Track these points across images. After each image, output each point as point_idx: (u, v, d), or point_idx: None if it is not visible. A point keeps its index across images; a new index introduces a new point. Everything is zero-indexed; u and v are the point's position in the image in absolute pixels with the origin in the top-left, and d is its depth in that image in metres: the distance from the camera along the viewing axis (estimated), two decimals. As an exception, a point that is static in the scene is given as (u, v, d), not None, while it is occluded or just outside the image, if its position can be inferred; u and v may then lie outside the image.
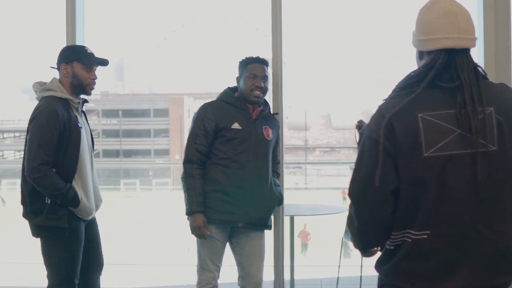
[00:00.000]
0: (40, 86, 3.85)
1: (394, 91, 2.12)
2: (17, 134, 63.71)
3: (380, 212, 2.08)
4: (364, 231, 2.14)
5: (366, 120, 2.30)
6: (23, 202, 3.82)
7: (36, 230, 3.81)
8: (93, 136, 4.09)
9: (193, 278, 7.06)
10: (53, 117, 3.65)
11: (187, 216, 4.05)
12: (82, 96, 3.95)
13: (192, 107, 62.79)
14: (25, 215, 3.82)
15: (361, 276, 5.62)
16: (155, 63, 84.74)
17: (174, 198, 34.47)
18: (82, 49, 3.90)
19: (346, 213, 5.37)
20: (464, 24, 2.09)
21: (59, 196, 3.65)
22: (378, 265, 2.19)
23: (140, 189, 37.33)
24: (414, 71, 2.14)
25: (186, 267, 8.71)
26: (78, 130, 3.77)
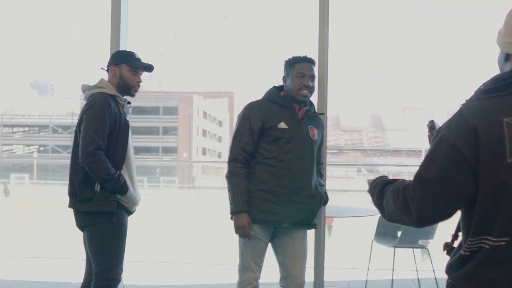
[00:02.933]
0: (89, 86, 4.03)
1: (478, 93, 2.07)
2: (26, 128, 64.10)
3: (446, 214, 2.05)
4: (422, 225, 2.11)
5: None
6: (72, 192, 3.91)
7: (84, 219, 3.88)
8: None
9: (202, 276, 7.01)
10: (106, 107, 3.82)
11: (231, 216, 4.01)
12: (126, 97, 4.12)
13: (201, 106, 63.18)
14: (74, 204, 3.91)
15: (392, 280, 5.59)
16: (165, 61, 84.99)
17: (181, 196, 34.62)
18: (131, 54, 4.13)
19: (376, 216, 5.33)
20: None
21: (110, 180, 3.78)
22: (450, 270, 2.14)
23: (147, 186, 37.37)
24: (502, 74, 2.08)
25: (195, 266, 8.74)
26: (126, 124, 3.95)
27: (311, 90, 4.01)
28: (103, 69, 4.12)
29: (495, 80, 2.06)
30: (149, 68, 4.11)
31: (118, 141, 3.87)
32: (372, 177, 2.42)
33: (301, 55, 4.06)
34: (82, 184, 3.83)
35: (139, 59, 4.07)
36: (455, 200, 2.02)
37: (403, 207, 2.10)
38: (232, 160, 3.98)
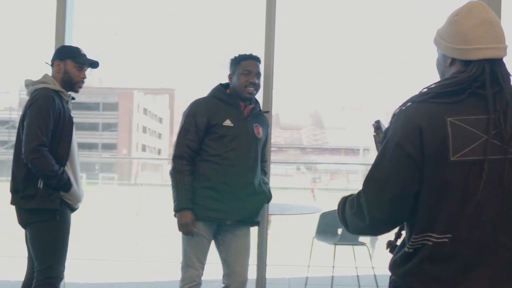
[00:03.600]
0: (32, 81, 3.98)
1: (427, 95, 2.11)
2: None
3: (396, 213, 2.08)
4: (375, 228, 2.14)
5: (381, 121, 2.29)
6: (14, 188, 3.86)
7: (26, 216, 3.83)
8: None
9: (142, 274, 6.97)
10: (50, 102, 3.78)
11: (174, 213, 4.00)
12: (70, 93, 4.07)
13: (142, 102, 62.58)
14: (16, 201, 3.85)
15: (332, 277, 5.67)
16: (105, 57, 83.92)
17: (121, 193, 34.24)
18: (76, 49, 4.08)
19: (318, 214, 5.38)
20: (500, 32, 2.11)
21: (54, 177, 3.74)
22: (394, 267, 2.18)
23: (86, 183, 36.89)
24: (450, 79, 2.12)
25: (135, 263, 8.68)
26: (71, 119, 3.91)
27: (256, 87, 4.04)
28: (47, 63, 4.06)
29: (445, 85, 2.10)
30: (94, 64, 4.09)
31: (62, 137, 3.84)
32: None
33: (247, 53, 4.09)
34: (25, 181, 3.78)
35: (84, 55, 4.04)
36: (403, 199, 2.05)
37: (358, 211, 2.13)
38: (176, 157, 3.96)
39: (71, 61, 3.97)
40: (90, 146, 58.36)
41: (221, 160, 3.92)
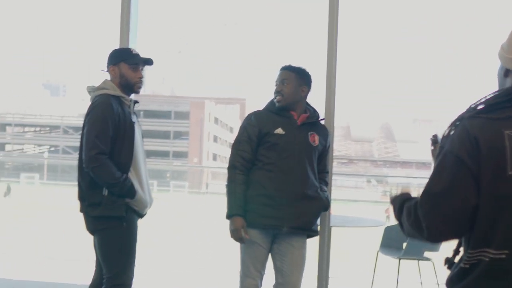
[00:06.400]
0: (93, 88, 3.97)
1: (478, 108, 2.06)
2: (37, 128, 64.29)
3: (454, 227, 2.03)
4: (433, 241, 2.11)
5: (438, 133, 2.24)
6: (81, 196, 3.87)
7: (93, 224, 3.85)
8: None
9: (207, 282, 6.98)
10: (108, 109, 3.76)
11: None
12: (132, 97, 4.07)
13: (213, 112, 63.17)
14: (83, 209, 3.87)
15: (396, 291, 5.57)
16: (177, 66, 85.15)
17: (191, 201, 34.65)
18: (127, 50, 4.08)
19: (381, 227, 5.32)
20: None
21: (116, 185, 3.72)
22: (450, 284, 2.12)
23: (157, 190, 37.44)
24: (504, 90, 2.08)
25: (200, 271, 8.73)
26: (132, 124, 3.87)
27: (281, 94, 4.10)
28: (103, 71, 4.04)
29: (496, 96, 2.05)
30: (148, 62, 4.03)
31: (124, 143, 3.81)
32: (395, 191, 2.41)
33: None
34: (89, 189, 3.78)
35: (137, 55, 4.00)
36: (462, 213, 2.00)
37: (415, 224, 2.09)
38: (230, 167, 4.05)
39: (124, 64, 3.94)
40: (162, 154, 59.11)
41: (274, 168, 3.97)
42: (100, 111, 3.76)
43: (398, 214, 2.23)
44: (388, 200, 2.43)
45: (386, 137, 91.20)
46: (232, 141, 4.18)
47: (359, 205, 34.54)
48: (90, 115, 3.80)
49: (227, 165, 4.09)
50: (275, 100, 4.11)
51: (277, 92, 4.10)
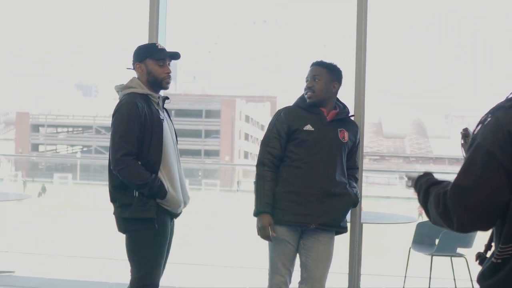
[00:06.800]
0: (121, 86, 3.94)
1: None
2: (70, 129, 64.84)
3: (485, 221, 2.01)
4: (463, 232, 2.08)
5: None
6: (112, 198, 3.86)
7: (124, 225, 3.84)
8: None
9: (237, 280, 6.99)
10: (133, 109, 3.72)
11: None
12: (162, 93, 4.05)
13: (244, 110, 63.20)
14: (115, 210, 3.86)
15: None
16: (208, 65, 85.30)
17: (223, 199, 34.68)
18: (153, 46, 4.03)
19: (413, 223, 5.28)
20: None
21: (145, 186, 3.68)
22: (481, 279, 2.10)
23: (189, 188, 37.56)
24: None
25: (232, 269, 8.73)
26: (160, 123, 3.82)
27: (312, 90, 4.07)
28: (129, 68, 3.98)
29: None
30: (175, 56, 3.97)
31: (152, 143, 3.76)
32: (414, 173, 2.38)
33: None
34: (120, 190, 3.77)
35: (163, 49, 3.94)
36: (492, 207, 1.97)
37: (444, 214, 2.06)
38: (258, 164, 4.05)
39: (150, 60, 3.89)
40: (193, 153, 59.27)
41: (303, 164, 3.95)
42: (125, 112, 3.74)
43: (423, 199, 2.20)
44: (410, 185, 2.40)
45: (418, 133, 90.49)
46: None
47: (391, 202, 34.29)
48: (115, 116, 3.77)
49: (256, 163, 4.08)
50: (306, 96, 4.09)
51: (308, 88, 4.08)
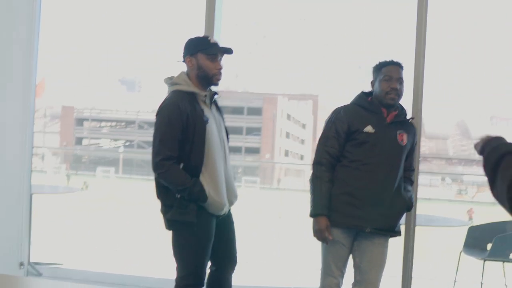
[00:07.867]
0: (169, 80, 3.82)
1: None
2: (113, 123, 65.48)
3: None
4: None
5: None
6: (158, 196, 3.82)
7: (168, 225, 3.81)
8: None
9: (283, 279, 6.96)
10: (174, 112, 3.62)
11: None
12: (212, 88, 3.90)
13: (285, 108, 63.10)
14: (160, 209, 3.83)
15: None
16: (250, 62, 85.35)
17: (263, 197, 34.66)
18: (205, 39, 3.86)
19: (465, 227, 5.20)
20: None
21: (184, 191, 3.61)
22: None
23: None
24: None
25: (274, 267, 8.69)
26: (203, 124, 3.69)
27: (399, 93, 3.94)
28: (179, 61, 3.82)
29: None
30: (228, 51, 3.80)
31: (194, 145, 3.66)
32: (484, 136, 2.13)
33: (388, 59, 3.99)
34: (163, 190, 3.72)
35: (215, 44, 3.79)
36: None
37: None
38: (316, 163, 3.96)
39: (202, 54, 3.73)
40: (234, 150, 59.34)
41: (361, 166, 3.87)
42: (166, 114, 3.66)
43: (493, 169, 1.95)
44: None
45: (462, 134, 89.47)
46: (319, 136, 4.07)
47: (433, 204, 33.93)
48: (157, 118, 3.70)
49: (312, 161, 4.01)
50: (387, 97, 3.93)
51: (393, 90, 3.93)
